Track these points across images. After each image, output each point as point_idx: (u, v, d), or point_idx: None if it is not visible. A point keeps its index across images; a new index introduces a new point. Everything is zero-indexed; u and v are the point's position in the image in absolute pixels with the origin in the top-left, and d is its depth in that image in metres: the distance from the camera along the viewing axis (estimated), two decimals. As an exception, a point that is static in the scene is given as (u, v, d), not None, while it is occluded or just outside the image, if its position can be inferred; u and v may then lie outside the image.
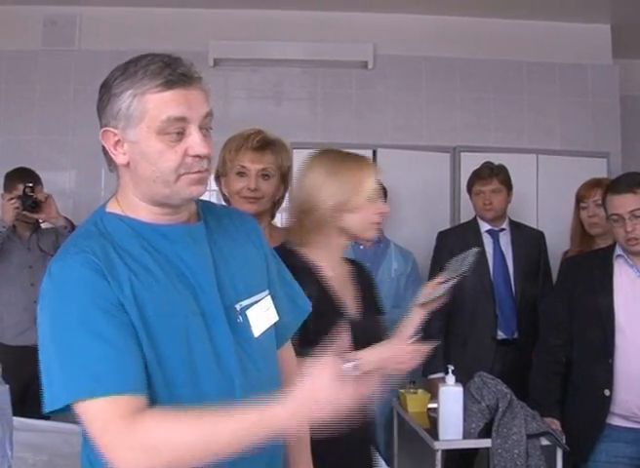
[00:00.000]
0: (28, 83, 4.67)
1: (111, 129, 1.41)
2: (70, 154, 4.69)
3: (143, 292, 1.37)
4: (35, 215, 3.79)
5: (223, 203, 2.48)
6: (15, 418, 3.22)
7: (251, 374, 1.47)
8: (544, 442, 2.87)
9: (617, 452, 2.75)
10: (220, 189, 2.45)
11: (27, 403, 3.74)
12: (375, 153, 4.61)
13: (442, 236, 3.99)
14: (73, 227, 3.90)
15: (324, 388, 1.24)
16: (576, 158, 4.70)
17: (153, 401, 1.35)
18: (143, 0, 4.64)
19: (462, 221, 4.28)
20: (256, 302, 1.55)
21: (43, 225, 3.98)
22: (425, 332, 3.87)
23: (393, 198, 4.37)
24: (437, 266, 3.89)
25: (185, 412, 1.28)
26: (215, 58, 4.64)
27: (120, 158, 1.42)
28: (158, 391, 1.37)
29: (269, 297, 1.60)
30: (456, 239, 3.92)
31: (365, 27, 4.82)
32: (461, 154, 4.71)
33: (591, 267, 2.92)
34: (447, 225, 4.45)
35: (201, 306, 1.44)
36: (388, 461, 3.26)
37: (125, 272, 1.37)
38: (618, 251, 2.85)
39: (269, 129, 2.47)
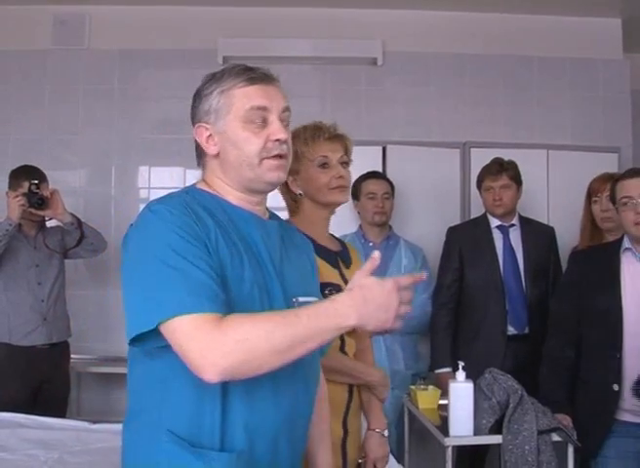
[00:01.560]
0: (38, 82, 4.69)
1: (204, 124, 1.62)
2: (80, 153, 4.70)
3: (224, 251, 1.52)
4: (41, 212, 3.78)
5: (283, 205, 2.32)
6: (26, 416, 3.26)
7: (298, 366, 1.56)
8: (555, 438, 2.86)
9: (626, 448, 2.74)
10: (289, 189, 2.22)
11: (39, 403, 3.78)
12: (384, 149, 4.61)
13: (452, 232, 3.98)
14: (80, 223, 3.90)
15: (373, 290, 1.40)
16: (586, 153, 4.67)
17: None
18: (153, -2, 4.66)
19: (472, 217, 4.27)
20: (310, 302, 1.62)
21: (49, 224, 3.99)
22: (433, 327, 3.93)
23: (403, 194, 4.37)
24: (446, 262, 3.90)
25: (260, 314, 1.44)
26: (224, 56, 4.64)
27: (211, 149, 1.63)
28: None
29: None
30: (465, 235, 3.92)
31: (374, 24, 4.81)
32: (471, 150, 4.69)
33: (598, 261, 2.91)
34: (457, 221, 4.44)
35: (266, 283, 1.58)
36: (399, 458, 3.27)
37: (214, 232, 1.52)
38: (625, 244, 2.84)
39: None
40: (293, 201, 2.25)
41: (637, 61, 5.06)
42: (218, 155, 1.62)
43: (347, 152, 2.27)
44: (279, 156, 1.60)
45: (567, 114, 4.89)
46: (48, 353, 3.79)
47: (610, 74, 4.93)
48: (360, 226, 4.14)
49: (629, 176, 2.82)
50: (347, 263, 2.25)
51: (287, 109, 1.65)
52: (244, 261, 1.54)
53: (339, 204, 2.24)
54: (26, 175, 3.80)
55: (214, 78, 1.63)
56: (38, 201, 3.73)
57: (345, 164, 2.25)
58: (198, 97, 1.65)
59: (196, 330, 1.37)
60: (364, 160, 4.41)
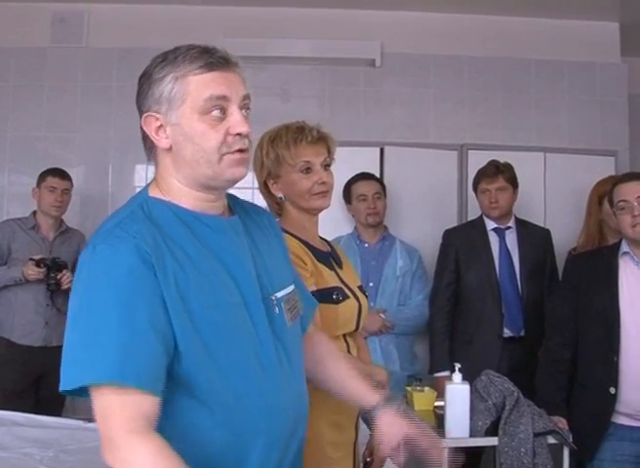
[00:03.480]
0: (37, 80, 4.68)
1: (153, 113, 1.45)
2: (78, 151, 4.69)
3: (188, 285, 1.38)
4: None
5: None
6: (21, 414, 3.26)
7: (284, 365, 1.51)
8: (551, 440, 2.86)
9: (622, 451, 2.75)
10: (270, 194, 2.16)
11: (40, 399, 3.83)
12: (382, 151, 4.61)
13: (448, 234, 3.98)
14: None
15: None
16: (583, 156, 4.69)
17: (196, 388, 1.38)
18: (151, -3, 4.65)
19: (469, 219, 4.27)
20: (287, 294, 1.60)
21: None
22: (431, 330, 3.93)
23: (400, 196, 4.37)
24: (443, 264, 3.89)
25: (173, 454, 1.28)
26: (222, 56, 4.63)
27: (162, 142, 1.46)
28: (201, 377, 1.39)
29: (296, 290, 1.66)
30: (462, 237, 3.92)
31: (373, 25, 4.81)
32: (469, 152, 4.69)
33: (596, 264, 2.92)
34: (454, 223, 4.44)
35: (243, 297, 1.47)
36: (394, 459, 3.26)
37: (171, 264, 1.38)
38: (624, 248, 2.85)
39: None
40: (276, 204, 2.19)
41: (635, 65, 5.07)
42: (170, 149, 1.46)
43: (330, 153, 2.17)
44: (240, 150, 1.46)
45: (564, 117, 4.90)
46: (47, 351, 3.83)
47: (607, 78, 4.93)
48: (355, 228, 4.14)
49: (626, 180, 2.84)
50: (339, 264, 2.22)
51: (247, 97, 1.49)
52: (213, 285, 1.42)
53: (321, 209, 2.17)
54: (52, 173, 3.97)
55: (166, 60, 1.45)
56: (54, 287, 3.84)
57: (328, 166, 2.16)
58: (146, 81, 1.46)
59: (112, 419, 1.31)
60: (361, 161, 4.43)
